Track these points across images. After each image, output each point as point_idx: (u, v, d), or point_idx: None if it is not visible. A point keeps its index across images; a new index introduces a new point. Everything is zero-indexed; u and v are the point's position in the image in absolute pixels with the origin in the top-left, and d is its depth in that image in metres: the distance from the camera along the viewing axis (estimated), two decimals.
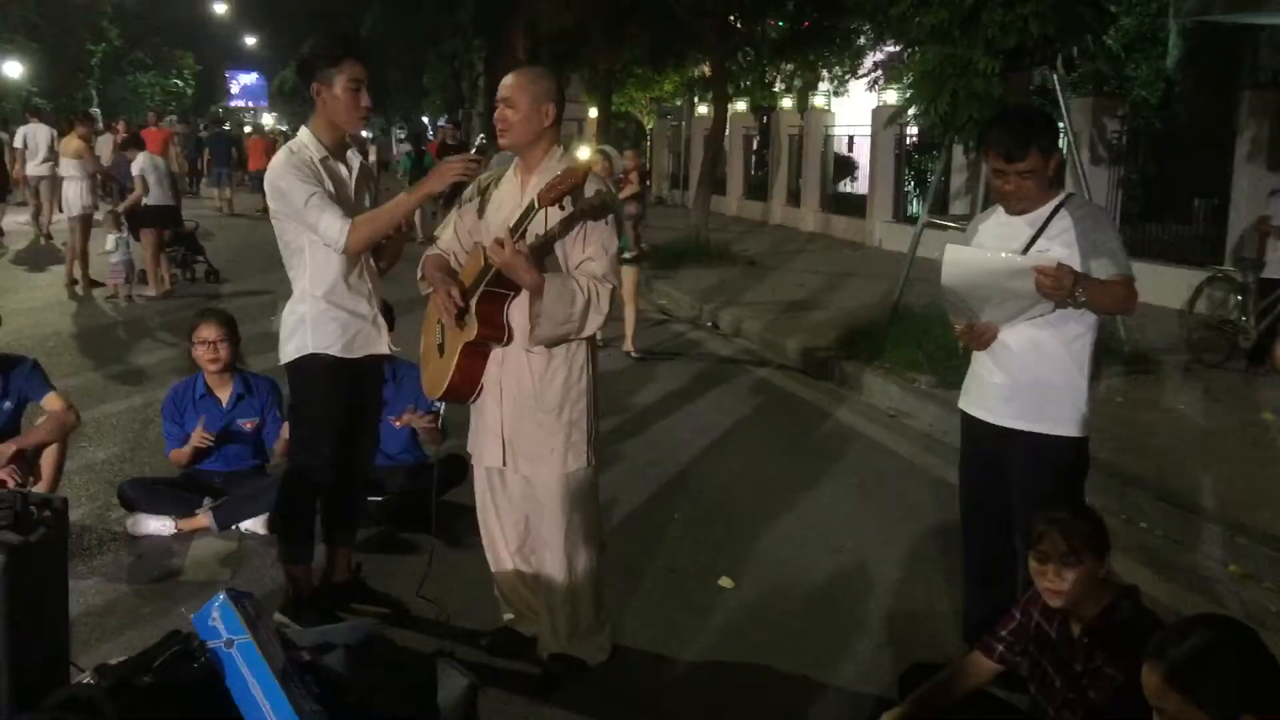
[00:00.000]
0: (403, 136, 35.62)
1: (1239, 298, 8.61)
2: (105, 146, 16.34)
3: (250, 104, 63.91)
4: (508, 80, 3.60)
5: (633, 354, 9.11)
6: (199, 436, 5.03)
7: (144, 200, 11.84)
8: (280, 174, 3.74)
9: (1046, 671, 3.03)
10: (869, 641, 4.13)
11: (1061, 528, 2.88)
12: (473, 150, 4.82)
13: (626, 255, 9.18)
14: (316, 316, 3.83)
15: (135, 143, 12.89)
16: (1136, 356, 8.32)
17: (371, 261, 3.98)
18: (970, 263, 3.47)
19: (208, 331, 5.16)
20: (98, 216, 12.65)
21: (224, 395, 5.22)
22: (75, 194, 12.34)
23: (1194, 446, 6.34)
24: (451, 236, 3.81)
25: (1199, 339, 8.80)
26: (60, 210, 12.94)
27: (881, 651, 4.03)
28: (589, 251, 3.54)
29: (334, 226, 3.68)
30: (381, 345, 3.99)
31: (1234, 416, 7.03)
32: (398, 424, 5.17)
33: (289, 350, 3.88)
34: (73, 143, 12.79)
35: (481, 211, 3.72)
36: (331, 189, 3.77)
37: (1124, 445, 6.17)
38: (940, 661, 3.47)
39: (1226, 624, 2.21)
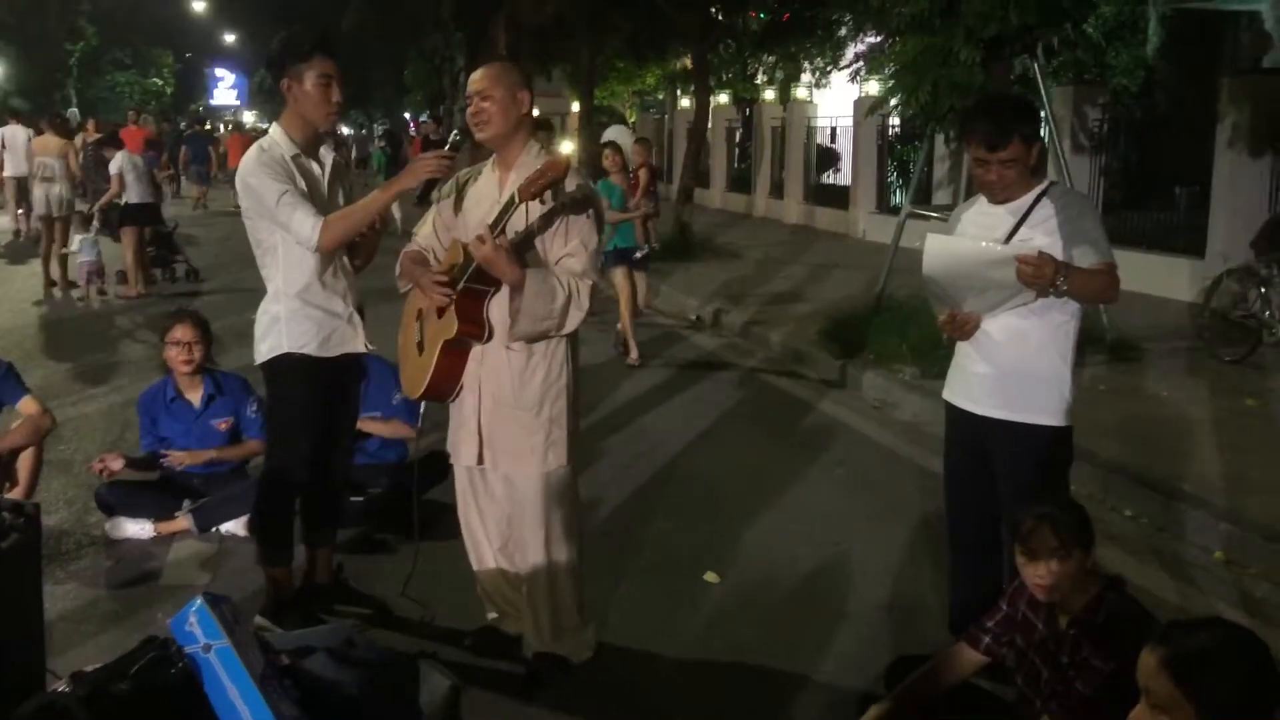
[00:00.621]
0: (380, 133, 35.52)
1: (1263, 290, 8.28)
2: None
3: (227, 101, 63.52)
4: (478, 75, 3.57)
5: (624, 355, 8.77)
6: (179, 459, 5.04)
7: (124, 199, 11.79)
8: (251, 171, 3.69)
9: (1033, 663, 3.02)
10: (855, 634, 4.11)
11: (1051, 523, 2.86)
12: (447, 147, 4.73)
13: (636, 255, 8.99)
14: (291, 316, 3.78)
15: (113, 142, 12.78)
16: (1119, 344, 8.33)
17: (346, 259, 3.93)
18: (952, 252, 3.45)
19: (181, 332, 5.10)
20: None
21: (195, 397, 5.17)
22: (52, 194, 12.25)
23: (1178, 434, 6.34)
24: (429, 233, 3.78)
25: (1216, 333, 8.54)
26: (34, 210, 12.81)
27: (868, 644, 4.01)
28: (569, 247, 3.50)
29: (306, 225, 3.64)
30: (358, 344, 3.95)
31: (1217, 403, 7.03)
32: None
33: (263, 350, 3.84)
34: (51, 143, 12.67)
35: (458, 207, 3.68)
36: (304, 186, 3.72)
37: (1108, 433, 6.17)
38: (927, 654, 3.45)
39: (1240, 631, 2.19)
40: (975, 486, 3.66)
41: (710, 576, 4.60)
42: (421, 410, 4.00)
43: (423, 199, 3.89)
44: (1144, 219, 12.36)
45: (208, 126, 30.58)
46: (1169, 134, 12.89)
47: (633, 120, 30.12)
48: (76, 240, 11.67)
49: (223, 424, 5.16)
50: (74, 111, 32.44)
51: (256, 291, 3.94)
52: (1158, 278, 10.81)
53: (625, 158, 9.25)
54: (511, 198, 3.36)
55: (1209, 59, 15.35)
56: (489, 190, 3.62)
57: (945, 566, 3.98)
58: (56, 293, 11.92)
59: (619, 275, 8.84)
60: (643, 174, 9.84)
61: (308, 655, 3.07)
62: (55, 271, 12.12)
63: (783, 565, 4.74)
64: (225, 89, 63.85)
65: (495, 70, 3.58)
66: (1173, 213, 12.29)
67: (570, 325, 3.50)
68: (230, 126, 33.52)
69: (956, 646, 3.20)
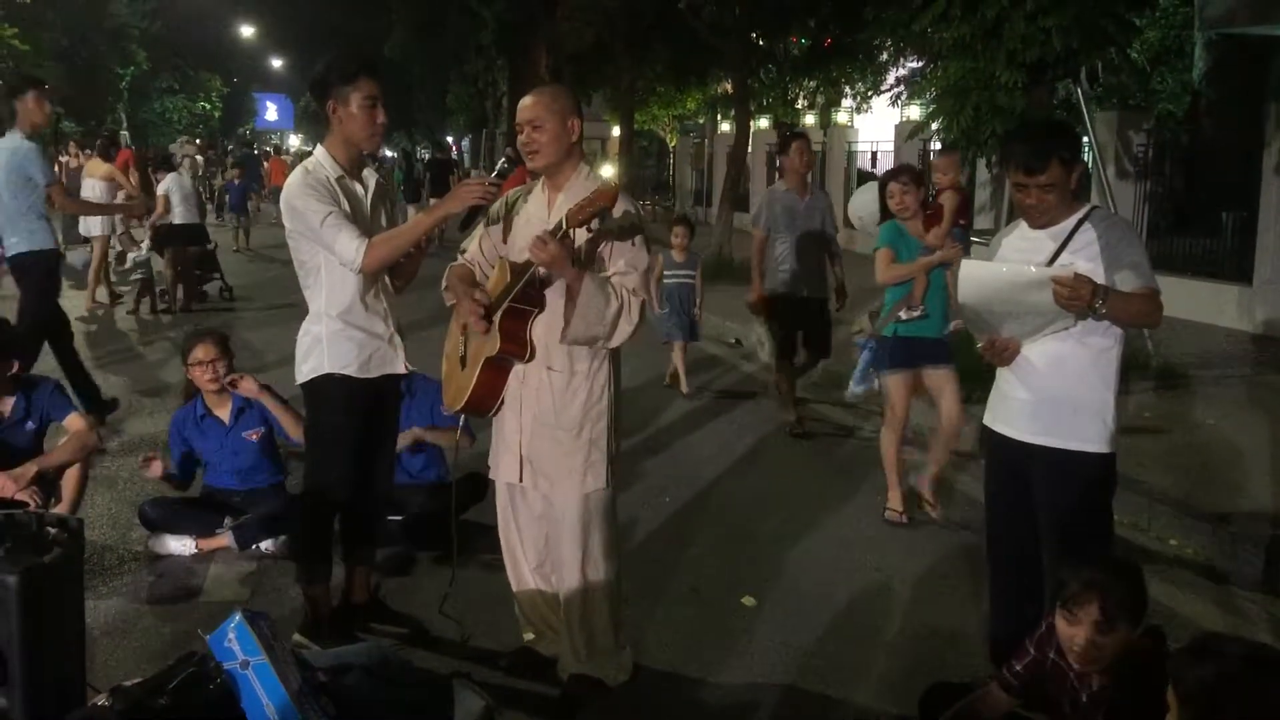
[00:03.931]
0: (428, 158, 35.84)
1: None
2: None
3: (274, 125, 64.45)
4: (528, 102, 3.57)
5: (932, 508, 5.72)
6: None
7: (169, 219, 12.03)
8: (296, 193, 3.73)
9: (1064, 713, 2.95)
10: (893, 661, 4.07)
11: (1099, 591, 2.73)
12: (494, 174, 4.62)
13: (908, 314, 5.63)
14: (332, 336, 3.82)
15: (164, 164, 13.04)
16: (1165, 371, 8.22)
17: (388, 280, 3.97)
18: (987, 278, 3.43)
19: (203, 352, 5.15)
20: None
21: (224, 413, 5.22)
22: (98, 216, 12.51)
23: (1224, 462, 6.24)
24: (477, 250, 3.80)
25: None
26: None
27: (906, 670, 3.96)
28: (616, 266, 3.50)
29: (350, 246, 3.67)
30: (398, 365, 3.98)
31: (1264, 431, 6.91)
32: (406, 440, 5.13)
33: (305, 370, 3.88)
34: (99, 166, 12.93)
35: (507, 230, 3.70)
36: (348, 208, 3.76)
37: (1153, 461, 6.09)
38: (964, 681, 3.41)
39: (1260, 659, 2.16)
40: (1016, 513, 3.61)
41: (747, 601, 4.58)
42: (462, 422, 4.02)
43: (467, 223, 3.80)
44: (1190, 245, 12.22)
45: (254, 149, 30.74)
46: (1215, 159, 12.76)
47: (673, 144, 30.16)
48: (130, 258, 11.94)
49: (254, 434, 5.20)
50: (124, 134, 33.02)
51: (295, 308, 3.97)
52: (1204, 304, 10.68)
53: (919, 188, 5.83)
54: (559, 223, 3.37)
55: (1256, 84, 15.15)
56: (538, 211, 3.64)
57: (985, 594, 3.94)
58: (101, 310, 12.12)
59: (894, 384, 5.68)
60: (948, 199, 6.54)
61: (344, 673, 3.09)
62: (100, 290, 12.35)
63: (820, 590, 4.70)
64: (272, 113, 64.67)
65: (546, 98, 3.57)
66: (1219, 239, 12.14)
67: (619, 338, 3.49)
68: (270, 150, 33.68)
69: (991, 687, 3.16)
